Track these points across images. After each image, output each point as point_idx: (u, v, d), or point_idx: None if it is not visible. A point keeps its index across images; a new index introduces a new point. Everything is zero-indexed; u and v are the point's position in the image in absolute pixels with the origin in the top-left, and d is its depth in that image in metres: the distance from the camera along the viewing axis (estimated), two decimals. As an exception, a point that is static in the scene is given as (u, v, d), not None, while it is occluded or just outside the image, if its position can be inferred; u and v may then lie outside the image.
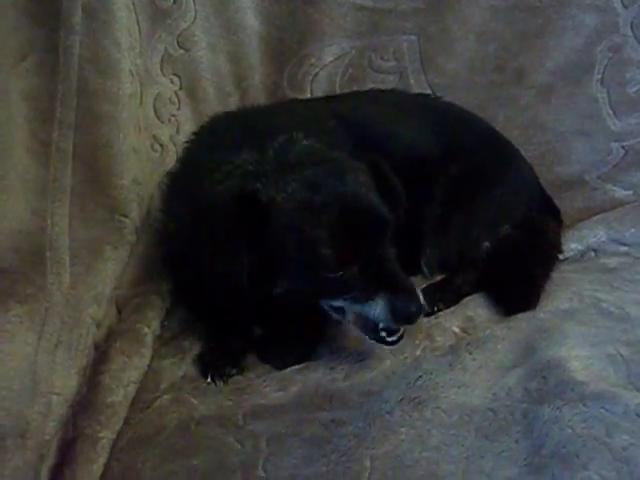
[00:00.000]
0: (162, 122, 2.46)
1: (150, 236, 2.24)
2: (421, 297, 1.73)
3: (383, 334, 1.80)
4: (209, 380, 1.88)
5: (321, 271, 1.72)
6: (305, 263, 1.73)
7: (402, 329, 1.81)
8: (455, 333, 1.98)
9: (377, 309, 1.72)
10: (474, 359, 1.83)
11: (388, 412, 1.69)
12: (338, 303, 1.81)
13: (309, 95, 2.72)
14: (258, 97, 2.71)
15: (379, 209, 1.76)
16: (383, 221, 1.76)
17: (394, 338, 1.81)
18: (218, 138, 2.09)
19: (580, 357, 1.77)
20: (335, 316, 1.87)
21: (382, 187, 1.85)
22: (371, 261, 1.73)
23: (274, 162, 1.80)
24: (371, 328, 1.80)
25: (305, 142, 1.88)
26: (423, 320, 2.03)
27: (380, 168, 1.88)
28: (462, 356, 1.85)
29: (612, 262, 2.27)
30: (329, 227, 1.69)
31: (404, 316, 1.72)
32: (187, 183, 2.02)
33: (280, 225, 1.71)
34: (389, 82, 2.73)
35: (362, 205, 1.75)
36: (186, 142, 2.20)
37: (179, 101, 2.57)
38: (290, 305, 1.83)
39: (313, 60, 2.71)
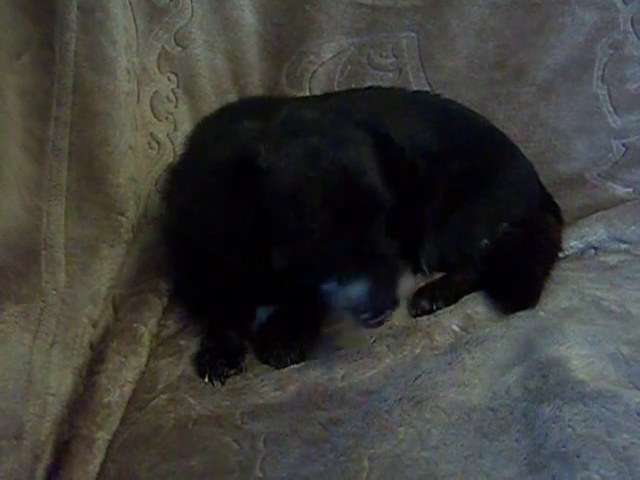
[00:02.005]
0: (159, 120, 2.45)
1: (147, 235, 2.24)
2: (403, 288, 1.74)
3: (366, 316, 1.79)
4: (207, 380, 1.86)
5: (314, 240, 1.71)
6: (300, 230, 1.72)
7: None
8: (454, 332, 1.97)
9: (355, 295, 1.71)
10: (473, 358, 1.82)
11: (387, 411, 1.68)
12: (326, 287, 1.78)
13: (307, 92, 2.71)
14: (256, 95, 2.70)
15: (375, 190, 1.76)
16: (377, 203, 1.76)
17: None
18: (218, 126, 2.09)
19: (580, 356, 1.76)
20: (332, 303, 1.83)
21: (387, 160, 1.85)
22: (361, 242, 1.73)
23: (279, 128, 1.81)
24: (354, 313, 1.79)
25: (310, 114, 1.88)
26: (422, 318, 2.03)
27: (386, 141, 1.89)
28: (461, 355, 1.84)
29: (612, 260, 2.26)
30: (325, 198, 1.69)
31: (376, 309, 1.72)
32: (188, 169, 2.03)
33: (278, 191, 1.72)
34: (388, 79, 2.72)
35: (360, 182, 1.74)
36: (187, 135, 2.20)
37: (176, 99, 2.56)
38: (293, 285, 1.82)
39: (311, 57, 2.70)
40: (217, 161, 1.79)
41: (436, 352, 1.88)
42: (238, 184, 1.73)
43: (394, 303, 1.72)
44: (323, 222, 1.70)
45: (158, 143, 2.42)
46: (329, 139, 1.77)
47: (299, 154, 1.74)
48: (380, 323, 1.79)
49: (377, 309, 1.74)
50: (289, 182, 1.72)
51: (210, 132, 2.07)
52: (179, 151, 2.26)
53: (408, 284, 1.79)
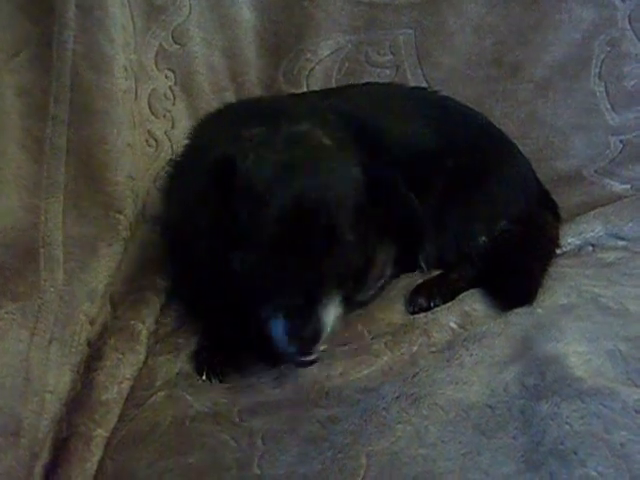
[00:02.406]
0: (157, 117, 2.45)
1: (145, 232, 2.24)
2: (324, 324, 1.69)
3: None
4: (204, 377, 1.87)
5: (260, 249, 1.69)
6: (251, 234, 1.70)
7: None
8: (452, 329, 1.96)
9: (278, 328, 1.69)
10: (471, 355, 1.82)
11: (385, 409, 1.68)
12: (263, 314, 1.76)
13: (305, 90, 2.70)
14: (254, 92, 2.70)
15: (334, 227, 1.71)
16: (327, 240, 1.70)
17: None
18: (216, 127, 2.10)
19: (578, 353, 1.75)
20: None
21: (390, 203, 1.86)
22: (301, 274, 1.68)
23: (271, 140, 1.81)
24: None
25: (312, 130, 1.89)
26: (420, 316, 2.02)
27: (384, 183, 1.87)
28: (459, 352, 1.84)
29: (610, 256, 2.26)
30: (278, 209, 1.67)
31: (296, 342, 1.68)
32: (184, 169, 2.05)
33: (242, 192, 1.72)
34: (385, 76, 2.72)
35: (313, 207, 1.69)
36: (187, 134, 2.20)
37: (174, 96, 2.56)
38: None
39: (309, 55, 2.70)
40: (208, 164, 1.79)
41: (434, 349, 1.88)
42: (221, 191, 1.74)
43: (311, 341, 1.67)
44: (272, 245, 1.67)
45: (156, 141, 2.42)
46: (309, 155, 1.78)
47: (272, 163, 1.74)
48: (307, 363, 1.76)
49: (296, 346, 1.70)
50: (252, 186, 1.71)
51: (207, 136, 2.08)
52: (177, 148, 2.27)
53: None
